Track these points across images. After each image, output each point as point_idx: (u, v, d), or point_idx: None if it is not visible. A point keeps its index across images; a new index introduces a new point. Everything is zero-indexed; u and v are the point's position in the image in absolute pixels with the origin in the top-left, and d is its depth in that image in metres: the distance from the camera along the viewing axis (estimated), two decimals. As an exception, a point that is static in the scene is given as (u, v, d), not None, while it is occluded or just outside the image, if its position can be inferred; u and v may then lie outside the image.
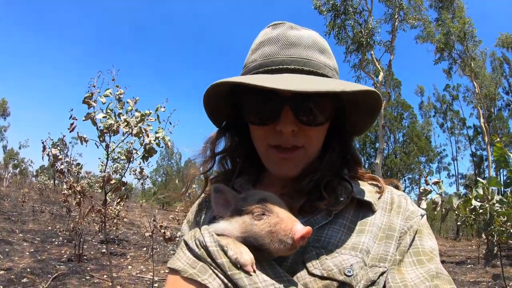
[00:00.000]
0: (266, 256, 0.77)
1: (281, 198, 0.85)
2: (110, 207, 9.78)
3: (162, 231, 5.00)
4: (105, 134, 3.78)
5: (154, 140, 3.89)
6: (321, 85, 0.81)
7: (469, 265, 11.66)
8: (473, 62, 25.04)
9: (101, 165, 4.91)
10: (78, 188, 4.73)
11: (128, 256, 10.11)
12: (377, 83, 20.32)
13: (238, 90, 0.93)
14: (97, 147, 3.88)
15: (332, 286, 0.78)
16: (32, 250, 9.29)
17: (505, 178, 3.11)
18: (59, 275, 7.20)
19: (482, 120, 27.19)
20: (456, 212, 3.30)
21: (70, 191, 5.12)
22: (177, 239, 5.37)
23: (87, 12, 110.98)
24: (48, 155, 4.21)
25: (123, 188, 4.25)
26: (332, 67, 0.98)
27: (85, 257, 9.04)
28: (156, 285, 6.84)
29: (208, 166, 1.11)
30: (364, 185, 1.00)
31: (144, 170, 4.60)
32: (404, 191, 1.05)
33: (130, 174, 4.94)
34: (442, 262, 0.88)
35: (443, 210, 3.28)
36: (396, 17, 20.91)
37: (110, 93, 3.73)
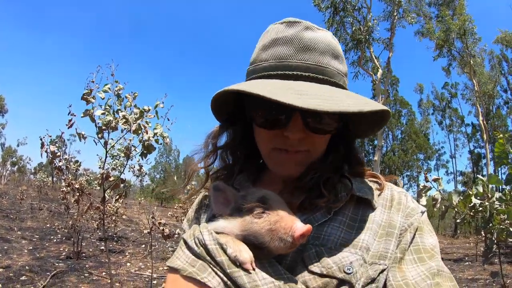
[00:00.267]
0: (266, 254, 0.77)
1: (281, 196, 0.84)
2: (109, 204, 9.78)
3: (161, 228, 5.00)
4: (104, 131, 3.77)
5: (153, 137, 3.88)
6: (338, 102, 0.79)
7: (467, 263, 11.70)
8: (472, 59, 25.05)
9: (100, 162, 4.90)
10: (77, 185, 4.71)
11: (127, 253, 10.12)
12: (376, 80, 20.33)
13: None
14: (96, 144, 3.87)
15: (331, 284, 0.78)
16: (31, 247, 9.30)
17: (505, 175, 3.11)
18: (58, 272, 7.21)
19: (481, 118, 27.22)
20: (456, 209, 3.29)
21: (68, 188, 5.10)
22: (176, 236, 5.38)
23: (86, 7, 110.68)
24: (46, 152, 4.20)
25: (122, 185, 4.24)
26: (343, 73, 0.97)
27: (83, 255, 9.05)
28: (154, 282, 6.85)
29: (209, 161, 1.10)
30: (364, 182, 0.99)
31: (142, 167, 4.60)
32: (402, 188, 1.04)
33: (129, 171, 4.92)
34: (440, 259, 0.87)
35: (443, 207, 3.28)
36: (395, 14, 20.90)
37: (109, 88, 3.71)
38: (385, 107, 0.84)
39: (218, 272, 0.72)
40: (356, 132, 1.05)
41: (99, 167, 4.25)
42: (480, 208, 3.32)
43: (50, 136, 4.27)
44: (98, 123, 3.74)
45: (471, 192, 3.36)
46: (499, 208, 3.27)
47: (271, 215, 0.77)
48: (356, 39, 19.99)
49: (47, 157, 4.27)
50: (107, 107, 3.71)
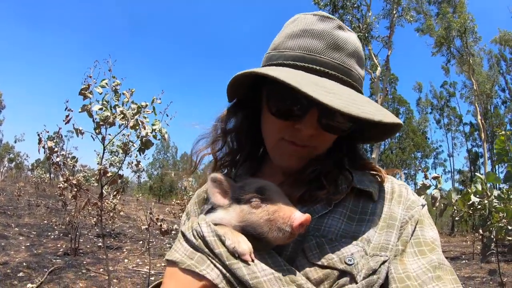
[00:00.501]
0: (265, 245, 0.76)
1: (280, 188, 0.83)
2: (107, 201, 9.77)
3: (159, 224, 4.99)
4: (101, 126, 3.75)
5: (151, 132, 3.87)
6: (360, 107, 0.78)
7: (464, 261, 11.74)
8: (471, 58, 25.12)
9: (98, 158, 4.89)
10: (74, 181, 4.69)
11: (124, 250, 10.12)
12: (374, 78, 20.36)
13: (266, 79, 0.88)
14: (93, 139, 3.85)
15: (332, 275, 0.77)
16: (28, 244, 9.28)
17: (504, 173, 3.11)
18: (55, 269, 7.20)
19: (479, 117, 27.32)
20: (455, 207, 3.30)
21: (66, 184, 5.08)
22: (173, 232, 5.37)
23: (84, 2, 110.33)
24: (43, 147, 4.18)
25: (119, 181, 4.22)
26: (363, 78, 0.97)
27: (81, 251, 9.04)
28: (152, 278, 6.85)
29: (217, 146, 1.08)
30: (365, 175, 0.99)
31: (140, 163, 4.58)
32: None
33: (127, 167, 4.91)
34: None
35: (442, 205, 3.28)
36: (394, 13, 20.92)
37: (106, 83, 3.69)
38: (400, 121, 0.84)
39: (217, 264, 0.71)
40: (363, 137, 1.05)
41: (97, 163, 4.23)
42: (479, 206, 3.32)
43: (48, 132, 4.25)
44: (95, 119, 3.72)
45: (470, 190, 3.36)
46: (497, 206, 3.28)
47: (269, 205, 0.76)
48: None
49: (44, 152, 4.25)
50: (105, 102, 3.69)
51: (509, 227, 3.30)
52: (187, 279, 0.72)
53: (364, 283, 0.77)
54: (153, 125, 3.90)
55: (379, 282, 0.78)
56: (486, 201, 3.26)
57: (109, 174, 4.06)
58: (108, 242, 10.75)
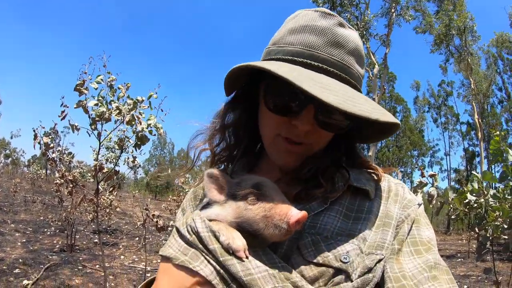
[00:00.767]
0: (260, 242, 0.76)
1: (277, 185, 0.83)
2: (103, 197, 9.75)
3: (155, 220, 4.97)
4: (97, 122, 3.73)
5: (147, 128, 3.85)
6: (358, 105, 0.78)
7: (459, 259, 11.82)
8: (470, 57, 25.19)
9: (94, 154, 4.87)
10: (70, 177, 4.67)
11: (121, 246, 10.12)
12: (372, 76, 20.39)
13: (264, 73, 0.87)
14: (89, 135, 3.83)
15: (327, 273, 0.77)
16: (24, 240, 9.27)
17: (499, 173, 3.12)
18: (52, 265, 7.20)
19: (476, 116, 27.41)
20: (451, 205, 3.31)
21: (62, 180, 5.06)
22: (170, 228, 5.37)
23: None
24: (39, 143, 4.15)
25: (116, 177, 4.21)
26: (362, 77, 0.97)
27: (77, 247, 9.04)
28: (148, 274, 6.84)
29: (215, 141, 1.08)
30: (362, 173, 0.99)
31: (136, 159, 4.56)
32: None
33: (124, 164, 4.89)
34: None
35: (438, 203, 3.29)
36: (392, 11, 20.94)
37: (102, 79, 3.66)
38: (397, 121, 0.84)
39: (211, 261, 0.71)
40: (360, 136, 1.04)
41: (94, 159, 4.21)
42: (475, 205, 3.34)
43: (44, 128, 4.22)
44: (91, 114, 3.70)
45: (466, 189, 3.37)
46: (493, 205, 3.29)
47: (266, 201, 0.75)
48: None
49: (40, 148, 4.22)
50: (100, 98, 3.67)
51: (505, 226, 3.32)
52: (180, 275, 0.71)
53: (360, 282, 0.76)
54: (148, 120, 3.89)
55: (374, 280, 0.78)
56: (482, 200, 3.27)
57: (105, 170, 4.04)
58: (104, 238, 10.75)
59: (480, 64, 31.73)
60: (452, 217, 3.59)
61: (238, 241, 0.71)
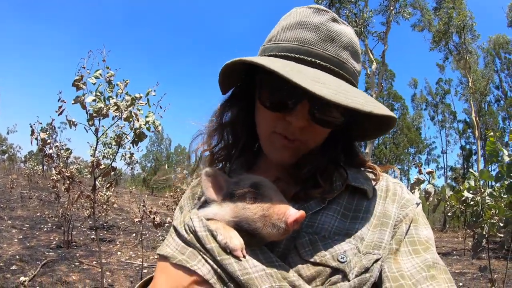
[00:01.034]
0: (258, 241, 0.75)
1: (275, 184, 0.83)
2: (100, 193, 9.74)
3: (152, 216, 4.98)
4: (95, 118, 3.71)
5: (145, 125, 3.84)
6: (351, 98, 0.77)
7: (455, 257, 11.87)
8: (468, 56, 25.22)
9: (91, 150, 4.85)
10: (67, 174, 4.66)
11: (118, 242, 10.12)
12: (370, 73, 20.41)
13: (257, 69, 0.88)
14: (86, 131, 3.82)
15: (324, 273, 0.76)
16: (21, 236, 9.26)
17: (495, 172, 3.14)
18: (48, 261, 7.19)
19: (473, 114, 27.48)
20: (448, 202, 3.32)
21: (59, 176, 5.05)
22: (166, 224, 5.37)
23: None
24: (36, 139, 4.14)
25: (113, 173, 4.20)
26: (358, 73, 0.96)
27: (74, 244, 9.03)
28: (145, 271, 6.86)
29: (214, 141, 1.08)
30: (360, 172, 0.99)
31: (134, 155, 4.56)
32: None
33: (120, 159, 4.88)
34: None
35: (435, 200, 3.30)
36: (391, 9, 20.94)
37: (100, 74, 3.65)
38: (393, 114, 0.83)
39: (208, 260, 0.70)
40: (357, 134, 1.04)
41: (91, 155, 4.20)
42: (472, 203, 3.35)
43: (41, 123, 4.21)
44: (89, 110, 3.68)
45: (463, 187, 3.39)
46: (490, 203, 3.31)
47: (264, 201, 0.75)
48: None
49: (37, 144, 4.21)
50: (98, 93, 3.65)
51: (501, 224, 3.34)
52: (178, 274, 0.71)
53: (357, 281, 0.76)
54: (146, 117, 3.88)
55: (371, 280, 0.78)
56: (478, 198, 3.29)
57: (102, 166, 4.04)
58: (101, 234, 10.74)
59: (478, 63, 31.84)
60: (449, 214, 3.60)
61: (236, 240, 0.71)
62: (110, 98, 3.71)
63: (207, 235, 0.72)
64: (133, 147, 4.02)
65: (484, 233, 3.44)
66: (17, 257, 7.25)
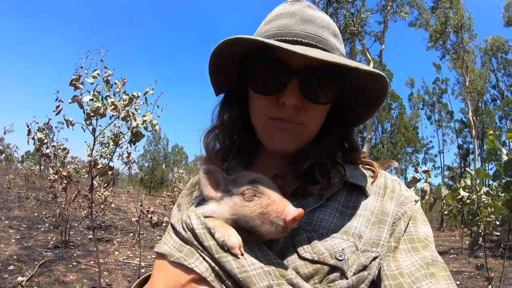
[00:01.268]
0: (256, 239, 0.76)
1: (273, 181, 0.83)
2: (97, 193, 9.71)
3: (149, 216, 4.97)
4: (92, 118, 3.70)
5: (142, 124, 3.83)
6: (335, 58, 0.80)
7: (452, 255, 11.90)
8: (466, 55, 25.25)
9: (89, 150, 4.85)
10: (64, 173, 4.65)
11: (115, 242, 10.09)
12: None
13: (246, 59, 0.93)
14: (84, 130, 3.81)
15: (322, 270, 0.77)
16: (18, 237, 9.22)
17: (493, 171, 3.15)
18: (46, 261, 7.17)
19: (470, 113, 27.54)
20: (444, 201, 3.33)
21: (56, 176, 5.04)
22: (164, 224, 5.36)
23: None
24: (33, 138, 4.13)
25: (110, 173, 4.19)
26: (342, 52, 0.97)
27: (71, 243, 9.00)
28: (142, 270, 6.84)
29: (211, 139, 1.09)
30: (358, 169, 0.99)
31: (131, 154, 4.55)
32: None
33: (118, 159, 4.87)
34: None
35: (431, 199, 3.31)
36: (388, 8, 20.97)
37: (98, 74, 3.64)
38: (381, 72, 0.84)
39: (206, 257, 0.71)
40: (353, 118, 1.05)
41: (88, 155, 4.19)
42: (468, 201, 3.36)
43: (38, 123, 4.20)
44: (86, 110, 3.67)
45: (459, 185, 3.39)
46: (486, 201, 3.32)
47: (262, 198, 0.75)
48: (349, 31, 20.04)
49: (34, 144, 4.20)
50: (96, 93, 3.64)
51: (497, 223, 3.35)
52: (175, 272, 0.71)
53: (355, 279, 0.76)
54: (144, 116, 3.86)
55: (369, 278, 0.78)
56: (475, 196, 3.30)
57: (99, 166, 4.02)
58: (99, 234, 10.71)
59: (475, 62, 31.92)
60: (445, 212, 3.62)
61: (233, 238, 0.71)
62: (108, 98, 3.70)
63: (204, 233, 0.72)
64: (131, 146, 4.02)
65: (480, 231, 3.46)
66: (14, 257, 7.22)
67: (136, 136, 3.87)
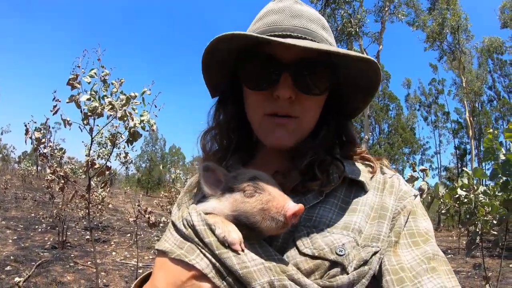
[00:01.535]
0: (257, 235, 0.76)
1: (273, 178, 0.83)
2: (95, 193, 9.69)
3: (147, 216, 4.96)
4: (89, 117, 3.69)
5: (139, 124, 3.82)
6: (324, 46, 0.82)
7: (449, 255, 11.92)
8: (462, 56, 25.34)
9: (86, 150, 4.84)
10: (62, 173, 4.63)
11: (112, 243, 10.07)
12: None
13: (239, 57, 0.95)
14: (81, 130, 3.80)
15: (323, 266, 0.76)
16: (15, 237, 9.19)
17: (490, 171, 3.16)
18: (43, 262, 7.15)
19: (467, 114, 27.64)
20: (441, 200, 3.33)
21: (53, 176, 5.02)
22: (161, 224, 5.36)
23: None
24: (31, 138, 4.12)
25: (107, 173, 4.18)
26: (332, 43, 0.98)
27: (68, 244, 8.98)
28: (140, 271, 6.82)
29: (209, 139, 1.10)
30: (357, 165, 0.99)
31: (128, 155, 4.54)
32: None
33: (115, 159, 4.86)
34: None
35: (429, 198, 3.32)
36: (386, 9, 21.03)
37: (95, 73, 3.63)
38: (371, 57, 0.86)
39: (207, 254, 0.71)
40: (349, 108, 1.06)
41: (85, 155, 4.18)
42: (465, 200, 3.37)
43: (35, 123, 4.19)
44: (83, 109, 3.66)
45: (456, 185, 3.40)
46: (483, 201, 3.33)
47: (262, 194, 0.75)
48: (346, 32, 20.10)
49: (31, 143, 4.19)
50: (93, 92, 3.63)
51: (494, 222, 3.36)
52: (176, 269, 0.71)
53: (355, 274, 0.76)
54: (141, 116, 3.86)
55: (370, 273, 0.78)
56: (472, 195, 3.31)
57: (96, 166, 4.02)
58: (96, 235, 10.68)
59: (472, 63, 32.09)
60: (443, 211, 3.63)
61: (234, 234, 0.71)
62: (105, 97, 3.69)
63: (205, 229, 0.72)
64: (128, 146, 4.01)
65: (478, 230, 3.47)
66: (11, 257, 7.19)
67: (133, 136, 3.86)
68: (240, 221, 0.75)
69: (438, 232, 21.72)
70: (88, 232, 10.19)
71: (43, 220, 11.41)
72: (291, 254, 0.79)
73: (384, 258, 0.81)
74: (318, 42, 0.92)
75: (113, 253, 8.89)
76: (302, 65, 0.88)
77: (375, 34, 21.19)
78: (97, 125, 3.84)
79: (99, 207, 10.78)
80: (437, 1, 23.53)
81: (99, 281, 5.91)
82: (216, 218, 0.75)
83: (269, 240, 0.79)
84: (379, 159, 1.05)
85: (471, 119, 27.88)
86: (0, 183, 19.57)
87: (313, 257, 0.77)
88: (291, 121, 0.92)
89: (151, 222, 4.87)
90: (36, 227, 10.82)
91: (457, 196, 3.35)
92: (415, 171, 3.23)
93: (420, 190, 3.19)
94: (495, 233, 3.55)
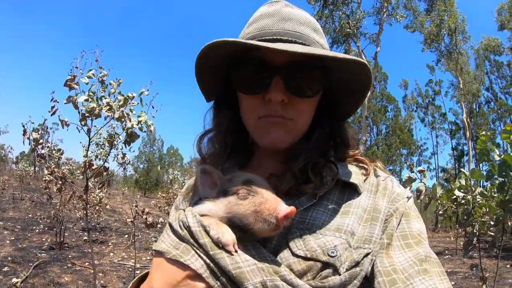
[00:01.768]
0: (250, 237, 0.77)
1: (267, 181, 0.84)
2: (92, 194, 9.68)
3: (144, 216, 4.96)
4: (87, 118, 3.69)
5: (137, 124, 3.82)
6: (312, 50, 0.83)
7: (447, 256, 11.95)
8: (460, 57, 25.40)
9: (84, 150, 4.83)
10: (60, 174, 4.63)
11: (110, 243, 10.07)
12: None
13: (231, 63, 0.96)
14: (79, 131, 3.80)
15: (315, 267, 0.77)
16: (13, 238, 9.18)
17: (486, 172, 3.17)
18: (41, 263, 7.15)
19: (464, 115, 27.71)
20: (439, 201, 3.35)
21: (51, 176, 5.02)
22: (159, 225, 5.36)
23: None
24: (29, 138, 4.12)
25: (105, 173, 4.18)
26: (324, 46, 0.99)
27: (66, 245, 8.98)
28: (138, 271, 6.82)
29: (205, 142, 1.11)
30: (350, 167, 1.00)
31: (126, 155, 4.54)
32: None
33: (113, 160, 4.85)
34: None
35: (426, 199, 3.33)
36: (384, 11, 21.08)
37: (93, 74, 3.63)
38: (361, 60, 0.86)
39: (201, 254, 0.72)
40: (342, 110, 1.07)
41: (83, 156, 4.18)
42: (463, 201, 3.38)
43: (33, 123, 4.19)
44: (81, 110, 3.66)
45: (453, 186, 3.42)
46: (480, 202, 3.34)
47: (256, 197, 0.77)
48: (344, 33, 20.13)
49: (29, 144, 4.19)
50: (91, 93, 3.64)
51: (492, 223, 3.37)
52: (172, 269, 0.73)
53: (347, 275, 0.77)
54: (139, 116, 3.86)
55: (362, 274, 0.79)
56: (469, 196, 3.32)
57: (94, 167, 4.01)
58: (94, 235, 10.68)
59: (469, 64, 32.20)
60: (440, 212, 3.64)
61: (228, 235, 0.72)
62: (103, 98, 3.69)
63: (200, 231, 0.73)
64: (125, 147, 4.01)
65: (475, 231, 3.48)
66: (9, 258, 7.19)
67: (131, 137, 3.86)
68: (234, 223, 0.76)
69: (436, 233, 21.76)
70: (85, 233, 10.16)
71: (40, 221, 11.40)
72: (284, 256, 0.80)
73: (377, 259, 0.82)
74: (308, 45, 0.93)
75: (111, 254, 8.89)
76: (293, 68, 0.89)
77: (372, 35, 21.23)
78: (95, 126, 3.84)
79: (97, 208, 10.78)
80: (434, 2, 23.58)
81: (97, 282, 5.91)
82: (211, 220, 0.76)
83: (263, 242, 0.80)
84: (373, 161, 1.06)
85: (468, 120, 27.94)
86: (-3, 183, 19.56)
87: (305, 258, 0.78)
88: (285, 121, 0.93)
89: (148, 223, 4.87)
90: (34, 228, 10.82)
91: (454, 197, 3.36)
92: (413, 172, 3.24)
93: (418, 191, 3.19)
94: (492, 234, 3.57)
